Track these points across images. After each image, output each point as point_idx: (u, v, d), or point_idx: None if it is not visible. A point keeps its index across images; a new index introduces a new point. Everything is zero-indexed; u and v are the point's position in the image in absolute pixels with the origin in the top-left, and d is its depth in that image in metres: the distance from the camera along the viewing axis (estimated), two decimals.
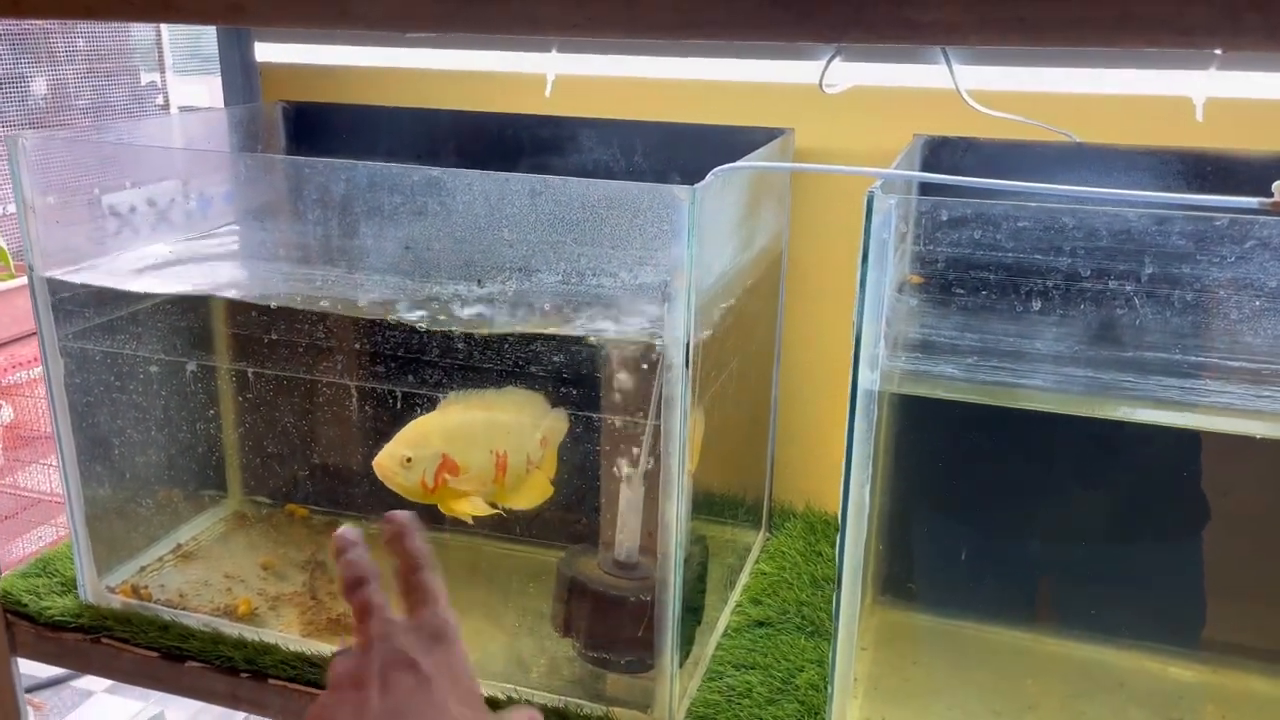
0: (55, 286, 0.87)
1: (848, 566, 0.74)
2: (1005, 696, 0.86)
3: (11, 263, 2.40)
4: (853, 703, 0.80)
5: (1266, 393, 0.61)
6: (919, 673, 0.89)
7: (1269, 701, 0.85)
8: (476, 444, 0.83)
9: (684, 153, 1.02)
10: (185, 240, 0.92)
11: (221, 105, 1.18)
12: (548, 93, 1.03)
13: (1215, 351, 0.62)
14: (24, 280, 2.37)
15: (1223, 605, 0.85)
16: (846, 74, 0.96)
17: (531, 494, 0.86)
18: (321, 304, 0.82)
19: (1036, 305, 0.64)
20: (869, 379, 0.68)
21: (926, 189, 0.82)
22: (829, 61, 0.86)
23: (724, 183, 0.75)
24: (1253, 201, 0.62)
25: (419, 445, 0.81)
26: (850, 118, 1.01)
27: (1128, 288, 0.62)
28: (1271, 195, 0.63)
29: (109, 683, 2.14)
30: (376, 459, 0.81)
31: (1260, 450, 0.72)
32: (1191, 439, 0.78)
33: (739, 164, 0.76)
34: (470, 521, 0.83)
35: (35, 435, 2.55)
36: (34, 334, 0.88)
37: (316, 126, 1.14)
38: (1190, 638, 0.87)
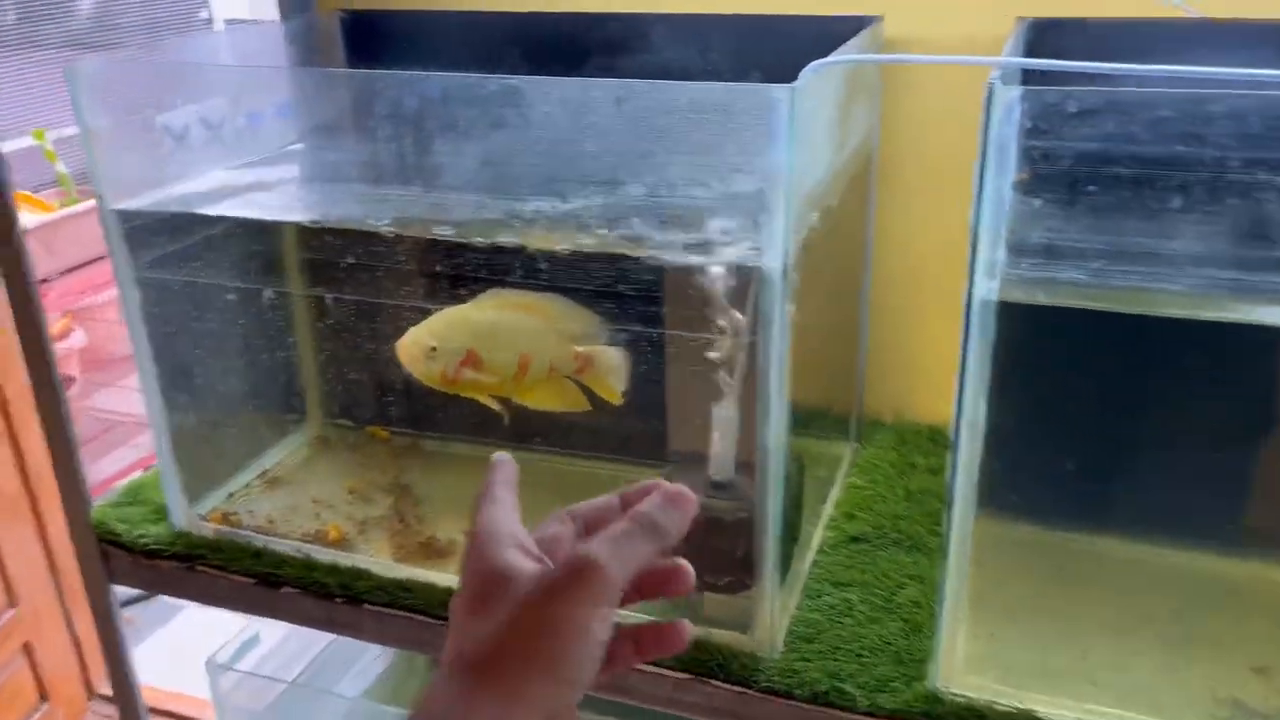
0: (126, 216, 0.85)
1: (960, 485, 0.70)
2: (1118, 611, 0.83)
3: (73, 187, 2.40)
4: (960, 622, 0.77)
5: None
6: (1024, 587, 0.86)
7: None
8: (503, 344, 0.83)
9: (764, 48, 0.95)
10: (251, 163, 0.89)
11: (271, 15, 1.14)
12: None
13: None
14: (90, 203, 2.38)
15: None
16: None
17: (547, 397, 0.85)
18: (394, 225, 0.79)
19: (1176, 203, 0.59)
20: (986, 288, 0.64)
21: (1028, 78, 0.76)
22: None
23: (820, 80, 0.70)
24: None
25: (446, 338, 0.82)
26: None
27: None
28: None
29: None
30: (401, 342, 0.82)
31: None
32: None
33: (835, 58, 0.71)
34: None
35: (110, 358, 2.59)
36: (103, 258, 0.86)
37: (375, 36, 1.09)
38: None
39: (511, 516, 0.48)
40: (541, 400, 0.85)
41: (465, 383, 0.83)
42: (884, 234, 1.01)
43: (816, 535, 0.92)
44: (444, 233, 0.77)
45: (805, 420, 0.91)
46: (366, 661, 1.21)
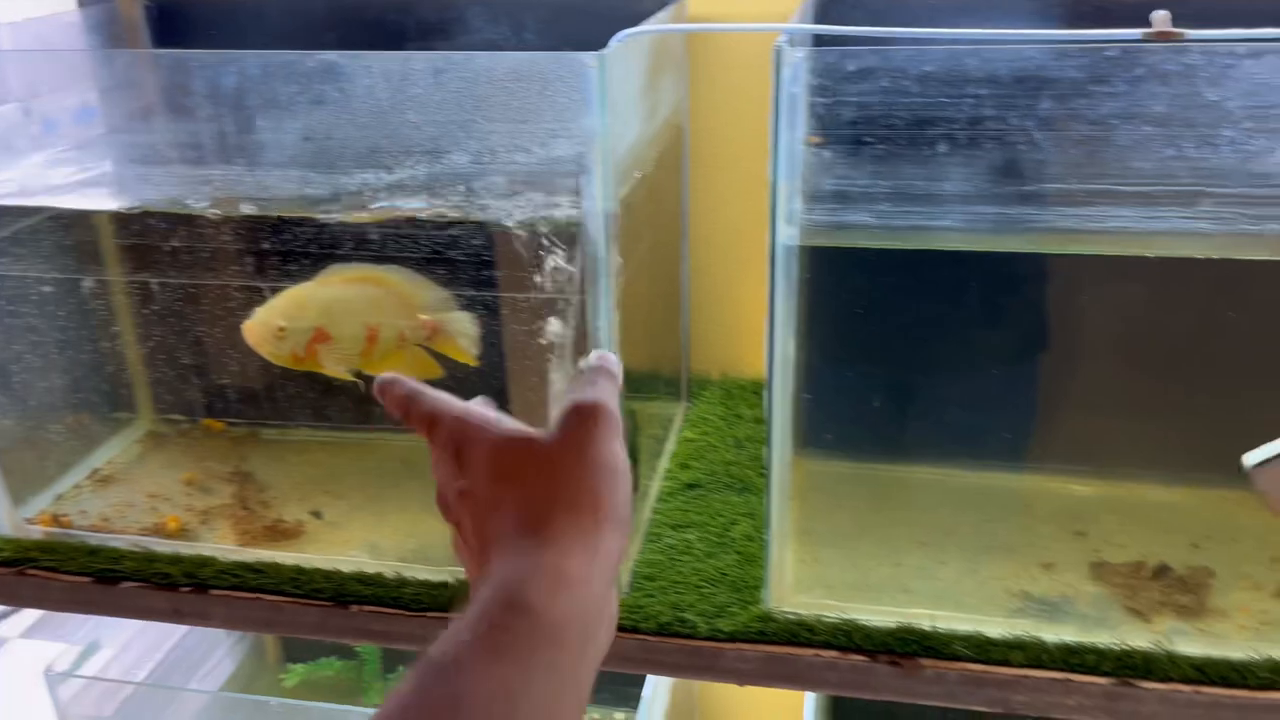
0: None
1: (777, 422, 0.77)
2: (926, 528, 0.91)
3: None
4: (787, 549, 0.84)
5: (1159, 214, 0.65)
6: (843, 515, 0.94)
7: (1159, 506, 0.93)
8: (350, 318, 0.84)
9: (575, 26, 1.00)
10: (64, 150, 0.87)
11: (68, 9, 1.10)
12: None
13: (1110, 179, 0.65)
14: None
15: (1118, 424, 0.92)
16: None
17: (399, 367, 0.87)
18: (214, 205, 0.79)
19: (944, 149, 0.66)
20: (787, 234, 0.70)
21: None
22: None
23: (629, 49, 0.75)
24: (1136, 32, 0.65)
25: (294, 317, 0.83)
26: None
27: (1028, 123, 0.65)
28: (1150, 26, 0.66)
29: (24, 627, 2.08)
30: (247, 324, 0.83)
31: (1154, 270, 0.76)
32: (1090, 264, 0.83)
33: (642, 28, 0.76)
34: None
35: None
36: None
37: (183, 24, 1.08)
38: (1089, 458, 0.94)
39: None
40: (394, 370, 0.86)
41: (316, 360, 0.84)
42: (698, 202, 1.08)
43: (654, 486, 0.98)
44: (257, 210, 0.78)
45: (637, 384, 0.97)
46: (216, 661, 1.19)
